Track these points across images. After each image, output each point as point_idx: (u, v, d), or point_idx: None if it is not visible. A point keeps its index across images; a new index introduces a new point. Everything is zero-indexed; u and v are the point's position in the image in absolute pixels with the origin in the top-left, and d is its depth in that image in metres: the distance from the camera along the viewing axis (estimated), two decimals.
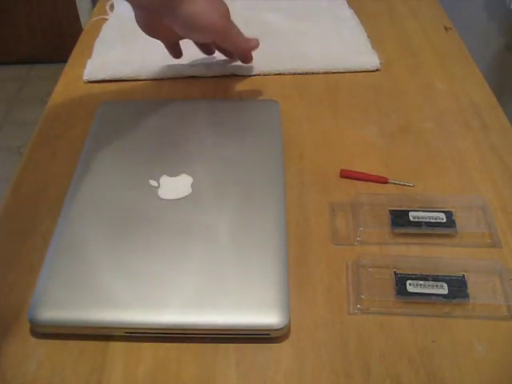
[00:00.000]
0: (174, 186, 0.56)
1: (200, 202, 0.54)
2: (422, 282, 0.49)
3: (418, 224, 0.54)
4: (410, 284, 0.49)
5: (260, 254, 0.49)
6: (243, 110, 0.66)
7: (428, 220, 0.55)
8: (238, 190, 0.55)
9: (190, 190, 0.55)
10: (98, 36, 0.84)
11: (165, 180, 0.56)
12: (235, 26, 0.66)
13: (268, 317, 0.45)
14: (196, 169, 0.57)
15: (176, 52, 0.74)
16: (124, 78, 0.76)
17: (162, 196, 0.55)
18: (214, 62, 0.77)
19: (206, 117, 0.65)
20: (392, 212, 0.56)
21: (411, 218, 0.55)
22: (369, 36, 0.83)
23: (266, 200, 0.54)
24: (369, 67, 0.78)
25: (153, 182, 0.56)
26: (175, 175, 0.57)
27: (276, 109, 0.66)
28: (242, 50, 0.72)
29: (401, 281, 0.49)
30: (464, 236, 0.54)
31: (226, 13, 0.63)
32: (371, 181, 0.60)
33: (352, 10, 0.89)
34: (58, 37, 2.28)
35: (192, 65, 0.77)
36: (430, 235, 0.54)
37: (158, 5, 0.61)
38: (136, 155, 0.60)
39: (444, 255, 0.53)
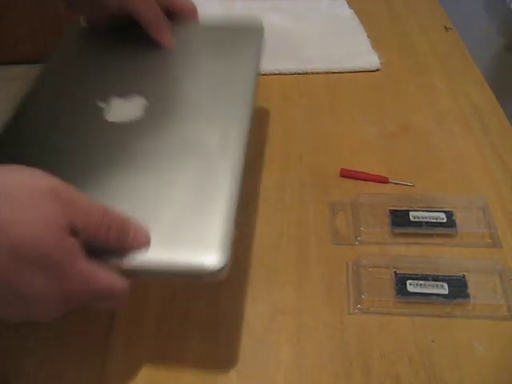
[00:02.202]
0: (125, 108, 0.51)
1: (154, 125, 0.49)
2: (422, 282, 0.49)
3: (418, 224, 0.54)
4: (410, 284, 0.49)
5: (210, 187, 0.43)
6: (222, 34, 0.61)
7: (428, 220, 0.55)
8: (198, 112, 0.51)
9: (142, 113, 0.50)
10: None
11: (115, 101, 0.51)
12: None
13: (201, 256, 0.38)
14: (151, 90, 0.52)
15: None
16: None
17: (110, 119, 0.50)
18: None
19: (180, 40, 0.59)
20: (392, 212, 0.56)
21: (411, 218, 0.55)
22: (369, 36, 0.83)
23: (228, 124, 0.48)
24: (369, 67, 0.78)
25: (101, 104, 0.51)
26: (127, 96, 0.52)
27: (258, 32, 0.60)
28: (149, 17, 0.56)
29: (401, 281, 0.49)
30: (464, 236, 0.54)
31: None
32: (371, 180, 0.60)
33: (352, 10, 0.89)
34: (58, 37, 2.28)
35: None
36: (430, 235, 0.54)
37: None
38: (94, 78, 0.55)
39: (444, 255, 0.53)
